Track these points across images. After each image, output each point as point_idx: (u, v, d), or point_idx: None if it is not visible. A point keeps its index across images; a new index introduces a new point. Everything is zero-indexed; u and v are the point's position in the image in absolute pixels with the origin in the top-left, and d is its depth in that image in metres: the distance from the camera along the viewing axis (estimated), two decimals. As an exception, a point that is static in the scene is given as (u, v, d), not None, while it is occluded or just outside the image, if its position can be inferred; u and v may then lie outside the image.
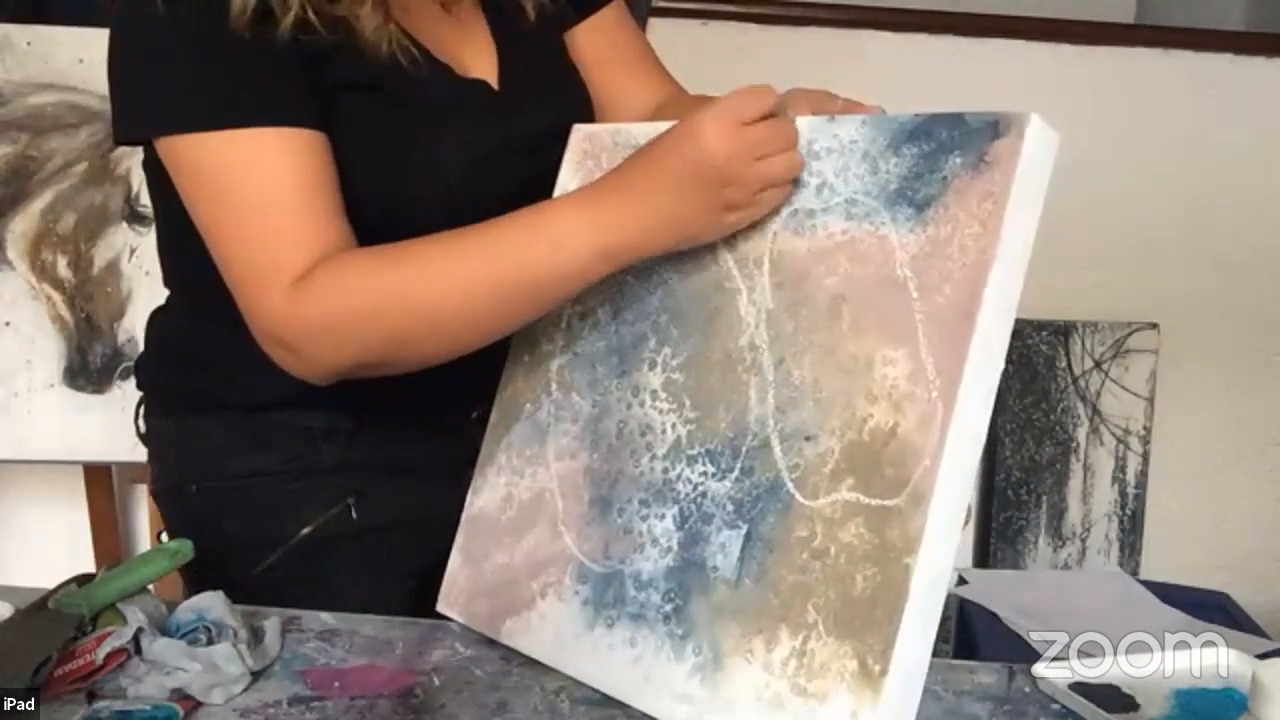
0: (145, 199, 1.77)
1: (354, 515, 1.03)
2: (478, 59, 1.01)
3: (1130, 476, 2.08)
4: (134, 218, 1.78)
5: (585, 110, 1.08)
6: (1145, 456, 2.08)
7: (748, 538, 0.78)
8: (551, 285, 0.84)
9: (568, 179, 0.98)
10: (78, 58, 1.77)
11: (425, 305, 0.84)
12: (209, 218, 0.87)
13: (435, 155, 0.95)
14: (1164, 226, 2.10)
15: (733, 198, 0.80)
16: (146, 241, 1.77)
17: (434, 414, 1.06)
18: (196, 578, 0.97)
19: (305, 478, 1.02)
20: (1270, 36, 2.12)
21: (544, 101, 1.02)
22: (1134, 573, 2.07)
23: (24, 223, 1.76)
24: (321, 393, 0.94)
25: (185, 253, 0.92)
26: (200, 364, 1.02)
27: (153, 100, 0.88)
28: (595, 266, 0.83)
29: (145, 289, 1.77)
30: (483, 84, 1.00)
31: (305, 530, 1.01)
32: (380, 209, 0.91)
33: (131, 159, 1.78)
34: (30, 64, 1.77)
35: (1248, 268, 2.11)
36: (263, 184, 0.85)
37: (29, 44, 1.76)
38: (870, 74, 1.98)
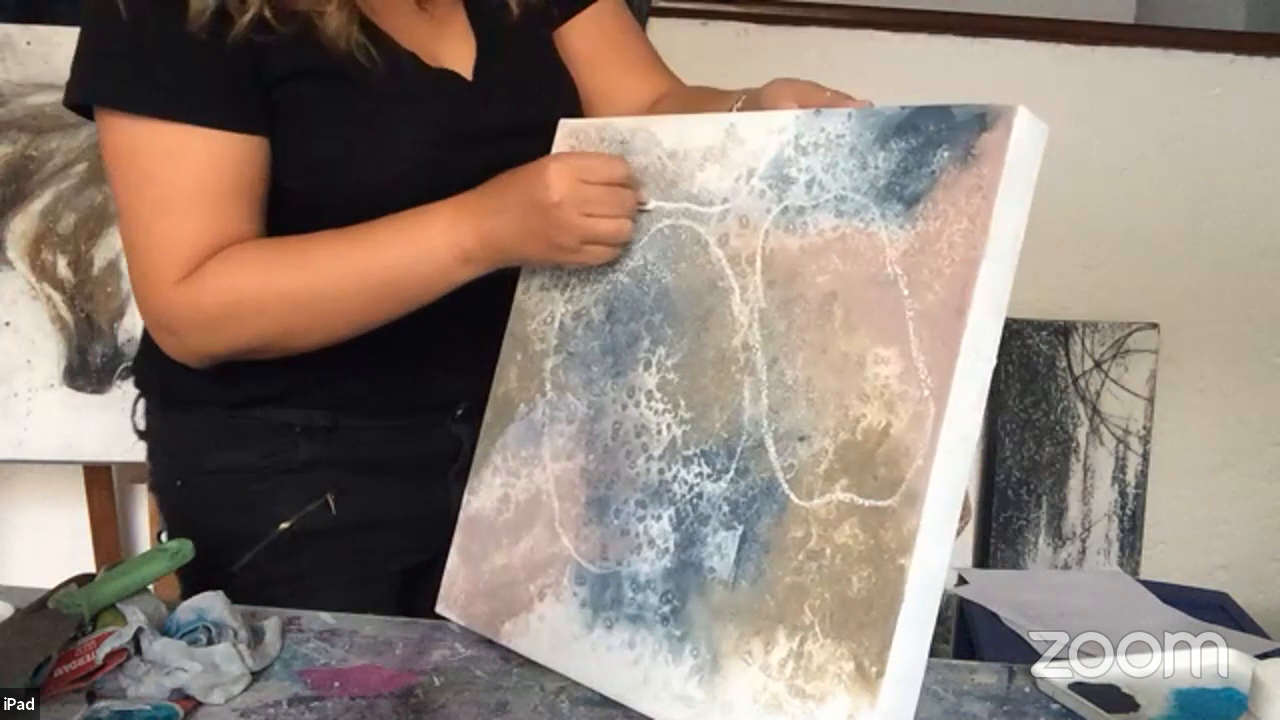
0: (145, 199, 1.77)
1: (333, 511, 1.03)
2: (453, 52, 1.01)
3: (1130, 476, 2.08)
4: (134, 218, 1.78)
5: (568, 104, 1.08)
6: (1145, 456, 2.08)
7: (744, 539, 0.78)
8: (416, 285, 0.90)
9: None
10: (78, 58, 1.77)
11: (303, 302, 0.90)
12: (124, 198, 0.91)
13: (394, 140, 0.95)
14: (1164, 226, 2.10)
15: (559, 240, 0.86)
16: (146, 241, 1.77)
17: (413, 412, 1.06)
18: (186, 576, 0.98)
19: (283, 474, 1.03)
20: (1270, 36, 2.12)
21: (522, 94, 1.02)
22: (1134, 573, 2.07)
23: (24, 223, 1.76)
24: (299, 390, 0.97)
25: None
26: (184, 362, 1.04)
27: (99, 73, 0.90)
28: (456, 270, 0.90)
29: (145, 289, 1.77)
30: (452, 74, 1.00)
31: (284, 526, 1.01)
32: (340, 193, 0.94)
33: (131, 159, 1.78)
34: (30, 64, 1.76)
35: (1248, 268, 2.11)
36: (181, 180, 0.89)
37: (29, 44, 1.76)
38: (870, 74, 1.98)
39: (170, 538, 1.01)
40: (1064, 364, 2.07)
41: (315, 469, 1.03)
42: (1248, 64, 2.06)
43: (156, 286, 0.91)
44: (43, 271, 1.76)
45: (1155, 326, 2.08)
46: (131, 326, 1.76)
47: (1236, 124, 2.07)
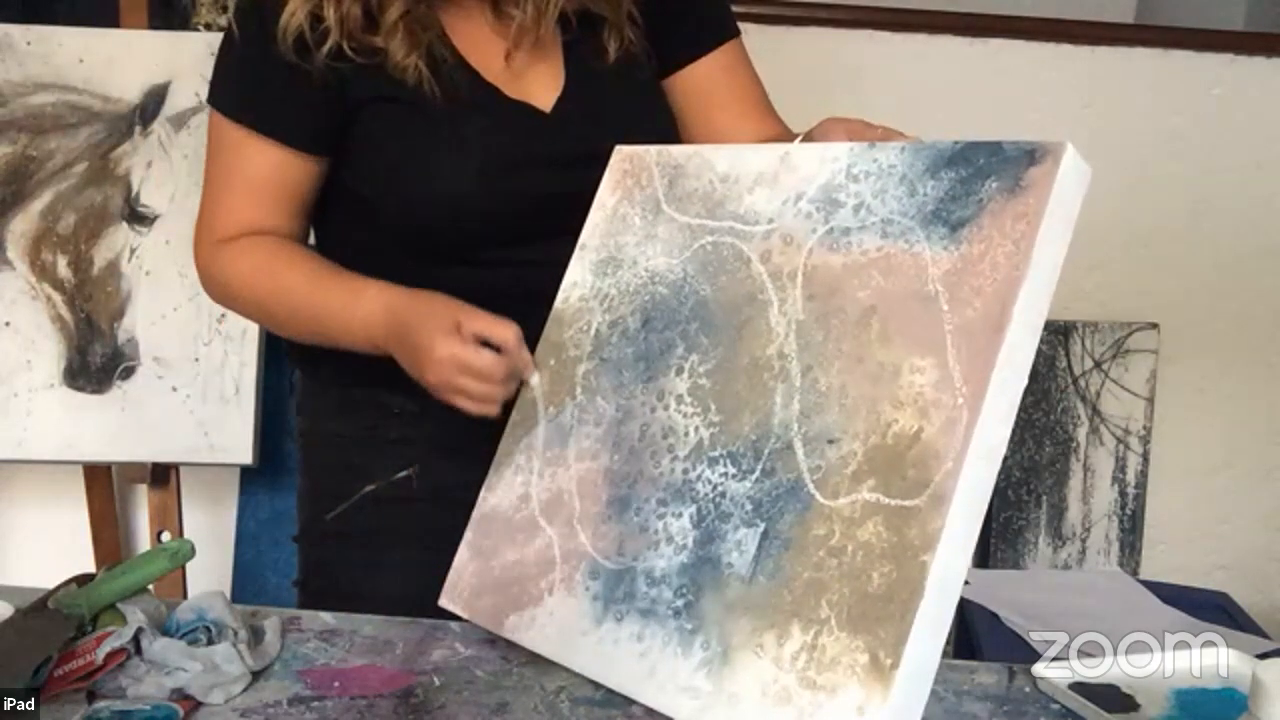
0: (145, 199, 1.78)
1: (414, 484, 1.15)
2: (540, 87, 1.10)
3: (1130, 476, 2.08)
4: (134, 218, 1.78)
5: (646, 139, 1.10)
6: (1145, 456, 2.08)
7: (765, 535, 0.78)
8: (337, 338, 1.06)
9: (605, 196, 1.00)
10: (78, 58, 1.77)
11: (266, 308, 1.11)
12: (206, 170, 1.13)
13: (460, 164, 1.05)
14: (1164, 226, 2.10)
15: (430, 381, 0.96)
16: (147, 241, 1.77)
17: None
18: (300, 512, 1.22)
19: (378, 444, 1.17)
20: (1270, 36, 2.12)
21: (598, 127, 1.07)
22: (1134, 573, 2.07)
23: (24, 223, 1.76)
24: (398, 377, 1.05)
25: (321, 236, 1.17)
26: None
27: (214, 76, 1.12)
28: (363, 346, 1.04)
29: (145, 289, 1.77)
30: (528, 106, 1.08)
31: (370, 488, 1.13)
32: (408, 207, 1.07)
33: (132, 159, 1.78)
34: (30, 64, 1.77)
35: (1248, 268, 2.11)
36: (237, 167, 1.09)
37: (29, 44, 1.77)
38: (869, 74, 1.98)
39: (300, 476, 1.23)
40: (1064, 364, 2.07)
41: (405, 445, 1.15)
42: (1248, 64, 2.06)
43: (200, 243, 1.12)
44: (43, 271, 1.76)
45: (1155, 326, 2.08)
46: (131, 326, 1.76)
47: (1236, 124, 2.07)
